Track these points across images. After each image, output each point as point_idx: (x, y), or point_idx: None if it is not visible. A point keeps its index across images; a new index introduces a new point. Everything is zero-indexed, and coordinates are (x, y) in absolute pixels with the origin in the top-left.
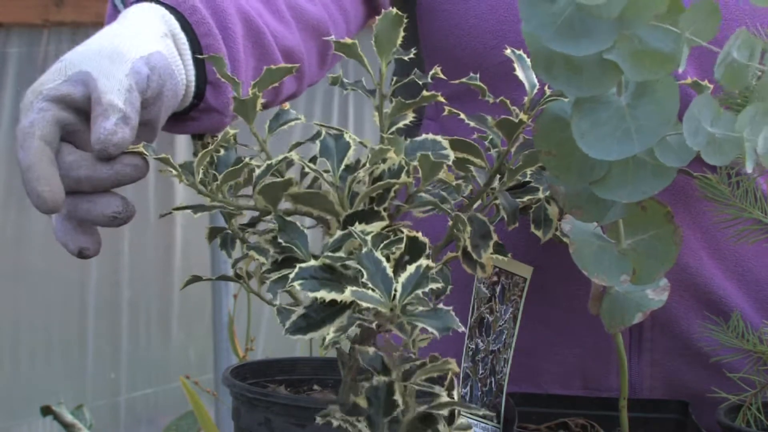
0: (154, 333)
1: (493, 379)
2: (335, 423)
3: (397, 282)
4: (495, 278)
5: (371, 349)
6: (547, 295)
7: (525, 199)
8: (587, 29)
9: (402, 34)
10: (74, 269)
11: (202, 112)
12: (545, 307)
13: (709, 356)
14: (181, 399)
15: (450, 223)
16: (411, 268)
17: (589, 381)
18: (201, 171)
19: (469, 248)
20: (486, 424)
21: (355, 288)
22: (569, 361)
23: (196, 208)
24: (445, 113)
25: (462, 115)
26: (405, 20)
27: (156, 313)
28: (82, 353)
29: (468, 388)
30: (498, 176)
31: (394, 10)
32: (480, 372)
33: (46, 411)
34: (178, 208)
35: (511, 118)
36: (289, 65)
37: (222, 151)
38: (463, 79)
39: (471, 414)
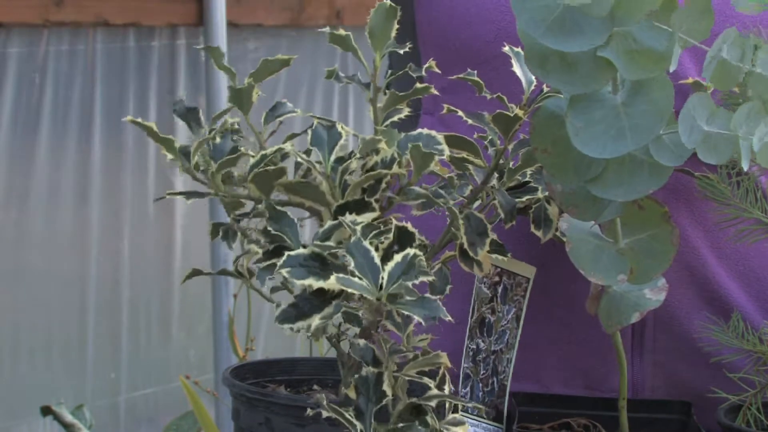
0: (154, 333)
1: (495, 380)
2: (325, 414)
3: (384, 270)
4: (497, 278)
5: (362, 341)
6: (549, 295)
7: (525, 199)
8: (579, 26)
9: (396, 26)
10: (74, 269)
11: None
12: (547, 308)
13: (711, 356)
14: (182, 399)
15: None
16: (398, 257)
17: (591, 381)
18: (197, 158)
19: (466, 246)
20: (488, 424)
21: (341, 275)
22: (571, 361)
23: (190, 195)
24: (444, 111)
25: (460, 113)
26: (399, 12)
27: (156, 313)
28: (82, 353)
29: (469, 388)
30: (496, 174)
31: (388, 2)
32: (482, 372)
33: (46, 411)
34: (172, 193)
35: (507, 112)
36: (285, 57)
37: (219, 140)
38: (461, 75)
39: (472, 417)
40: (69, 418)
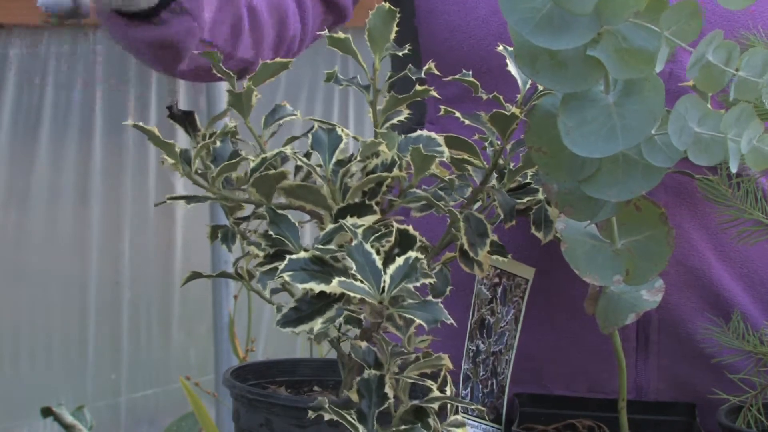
0: (154, 333)
1: (494, 381)
2: (327, 416)
3: (386, 274)
4: (496, 279)
5: (364, 344)
6: (551, 297)
7: (525, 200)
8: (566, 24)
9: (395, 29)
10: (74, 269)
11: (173, 14)
12: (549, 310)
13: (715, 358)
14: (182, 400)
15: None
16: (400, 260)
17: (593, 383)
18: (198, 162)
19: (466, 246)
20: (487, 425)
21: (343, 279)
22: (574, 363)
23: (191, 199)
24: (441, 113)
25: (457, 114)
26: (398, 16)
27: (156, 314)
28: (83, 354)
29: (469, 389)
30: (495, 174)
31: (387, 5)
32: (481, 373)
33: (47, 412)
34: (173, 198)
35: (503, 111)
36: (285, 60)
37: (219, 143)
38: (456, 76)
39: (471, 417)
40: (69, 419)
